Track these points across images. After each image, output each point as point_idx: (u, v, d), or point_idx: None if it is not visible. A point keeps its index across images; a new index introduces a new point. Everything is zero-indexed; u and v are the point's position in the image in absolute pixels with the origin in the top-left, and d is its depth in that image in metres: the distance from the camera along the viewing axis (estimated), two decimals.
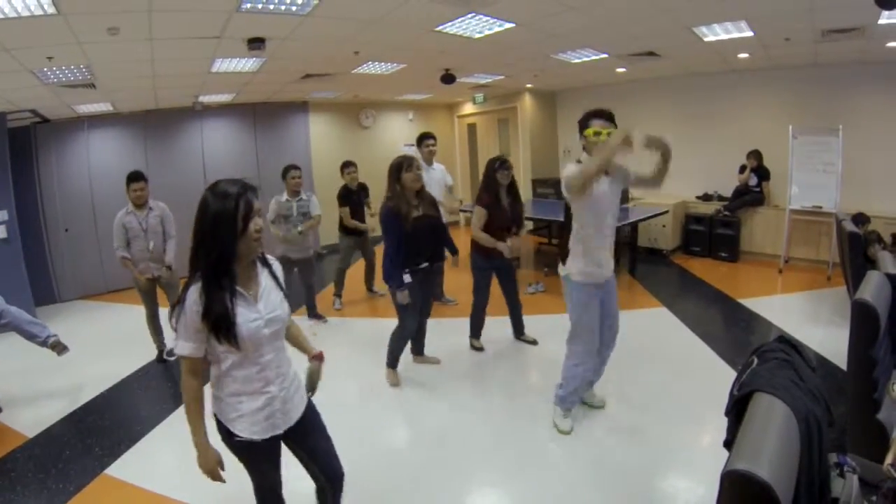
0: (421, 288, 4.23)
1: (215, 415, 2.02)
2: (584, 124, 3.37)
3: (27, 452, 3.73)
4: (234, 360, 1.93)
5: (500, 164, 4.66)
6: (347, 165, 6.49)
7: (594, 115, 3.36)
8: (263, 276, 2.02)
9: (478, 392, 4.36)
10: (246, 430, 1.98)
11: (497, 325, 5.26)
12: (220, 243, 1.82)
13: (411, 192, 4.05)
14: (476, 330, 5.13)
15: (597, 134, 3.26)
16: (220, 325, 1.82)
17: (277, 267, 2.13)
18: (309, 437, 2.22)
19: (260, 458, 2.11)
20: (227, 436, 2.01)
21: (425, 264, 4.22)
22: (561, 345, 3.68)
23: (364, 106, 10.71)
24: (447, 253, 4.57)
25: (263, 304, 1.96)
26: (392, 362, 4.53)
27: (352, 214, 6.31)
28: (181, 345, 1.89)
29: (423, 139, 6.07)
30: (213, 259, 1.81)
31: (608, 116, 3.35)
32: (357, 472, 3.33)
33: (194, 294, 1.82)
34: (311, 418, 2.22)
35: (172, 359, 5.14)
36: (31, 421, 4.16)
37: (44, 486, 3.30)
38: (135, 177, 4.86)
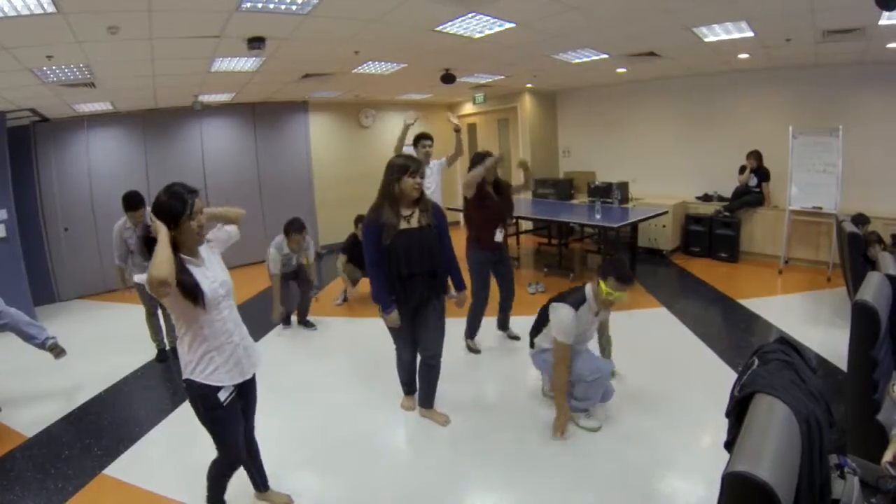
0: (416, 317, 3.63)
1: (188, 383, 2.42)
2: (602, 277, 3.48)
3: (26, 452, 3.73)
4: (202, 319, 2.35)
5: (481, 159, 4.72)
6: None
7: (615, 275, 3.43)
8: (205, 252, 2.48)
9: (475, 391, 4.36)
10: (224, 378, 2.43)
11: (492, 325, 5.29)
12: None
13: (407, 200, 3.41)
14: (472, 331, 5.11)
15: (609, 294, 3.40)
16: (193, 291, 2.27)
17: (214, 242, 2.59)
18: (250, 396, 2.71)
19: (231, 413, 2.49)
20: (203, 398, 2.41)
21: (413, 300, 3.51)
22: None
23: (364, 106, 10.70)
24: (451, 287, 3.79)
25: (211, 270, 2.43)
26: (405, 388, 4.07)
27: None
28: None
29: (420, 139, 5.98)
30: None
31: (626, 279, 3.42)
32: (356, 476, 3.33)
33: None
34: (254, 380, 2.70)
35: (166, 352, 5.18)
36: (30, 421, 4.15)
37: (42, 486, 3.30)
38: (134, 206, 4.77)
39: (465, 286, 3.87)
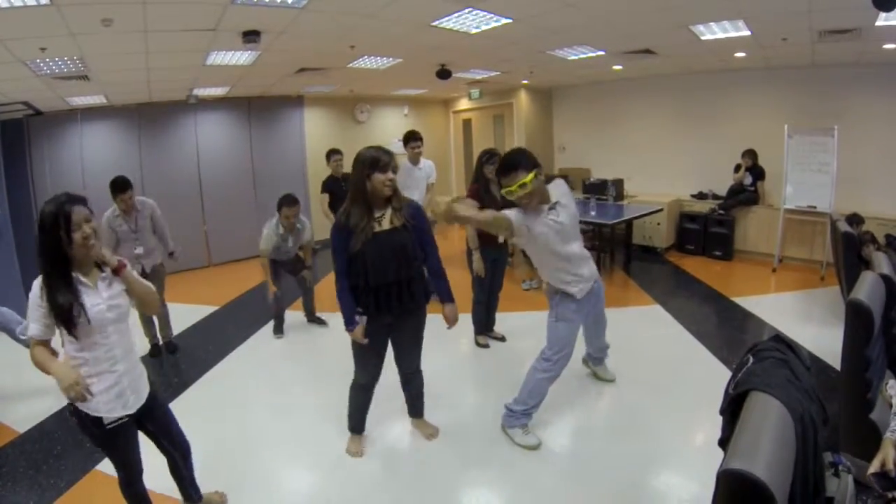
0: (391, 334, 3.25)
1: (71, 406, 2.23)
2: (498, 182, 3.21)
3: (18, 448, 3.71)
4: (83, 342, 2.17)
5: (487, 157, 4.67)
6: (334, 153, 6.32)
7: (501, 171, 3.15)
8: (105, 272, 2.26)
9: (473, 390, 4.36)
10: (101, 409, 2.23)
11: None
12: (52, 249, 2.08)
13: (379, 199, 2.99)
14: (479, 326, 5.08)
15: (509, 193, 3.08)
16: (63, 315, 2.08)
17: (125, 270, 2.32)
18: (157, 413, 2.53)
19: (116, 439, 2.34)
20: (88, 424, 2.25)
21: (386, 314, 3.08)
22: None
23: (359, 100, 10.67)
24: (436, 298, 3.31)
25: (104, 292, 2.22)
26: (351, 424, 3.50)
27: (337, 204, 6.10)
28: (32, 327, 2.14)
29: (410, 140, 5.87)
30: (48, 261, 2.08)
31: (514, 166, 3.06)
32: (354, 483, 3.33)
33: (36, 288, 2.11)
34: (155, 398, 2.50)
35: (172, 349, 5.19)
36: (23, 416, 4.12)
37: (35, 481, 3.28)
38: (121, 187, 4.67)
39: (454, 299, 3.30)
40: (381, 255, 2.94)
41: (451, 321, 3.29)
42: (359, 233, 2.91)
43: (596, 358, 4.18)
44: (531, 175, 2.99)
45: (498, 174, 3.15)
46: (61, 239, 2.05)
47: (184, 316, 6.08)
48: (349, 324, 3.03)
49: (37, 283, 2.11)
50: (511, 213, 3.09)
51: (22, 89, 5.98)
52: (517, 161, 3.04)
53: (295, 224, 5.22)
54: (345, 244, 2.95)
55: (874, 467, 1.78)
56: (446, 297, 3.26)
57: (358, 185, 2.94)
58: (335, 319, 5.79)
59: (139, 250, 4.85)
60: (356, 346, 3.15)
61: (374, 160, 2.90)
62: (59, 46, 4.53)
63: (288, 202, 5.11)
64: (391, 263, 2.97)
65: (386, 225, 2.99)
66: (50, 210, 2.06)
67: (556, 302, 3.39)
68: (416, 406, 3.64)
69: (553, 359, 3.41)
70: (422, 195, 5.92)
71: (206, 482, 2.94)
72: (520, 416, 3.49)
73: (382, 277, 2.97)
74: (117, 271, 2.26)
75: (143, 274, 4.94)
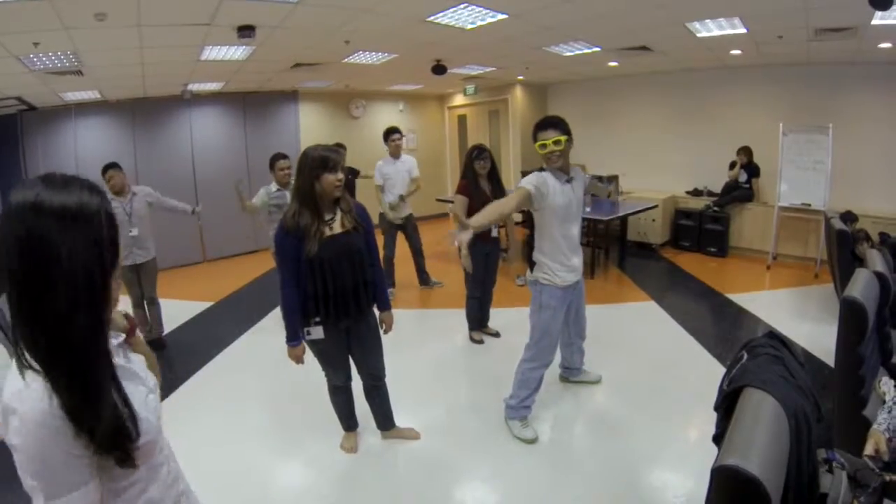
0: (349, 339, 3.10)
1: None
2: (534, 137, 3.32)
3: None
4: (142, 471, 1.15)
5: (477, 153, 4.69)
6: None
7: (539, 126, 3.29)
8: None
9: (468, 386, 4.36)
10: None
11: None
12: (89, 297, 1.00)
13: (328, 201, 2.83)
14: (474, 322, 5.07)
15: (542, 146, 3.22)
16: (116, 439, 1.03)
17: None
18: None
19: None
20: None
21: (345, 319, 2.94)
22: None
23: (354, 96, 10.65)
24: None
25: (138, 366, 1.27)
26: (343, 424, 3.45)
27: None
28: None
29: (390, 134, 6.12)
30: (81, 325, 0.98)
31: (553, 125, 3.25)
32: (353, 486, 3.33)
33: (40, 402, 0.95)
34: None
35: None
36: None
37: None
38: (104, 169, 4.82)
39: (390, 306, 3.22)
40: (337, 258, 2.82)
41: (389, 328, 3.22)
42: (311, 236, 2.75)
43: (573, 369, 4.13)
44: (565, 138, 3.20)
45: (536, 128, 3.28)
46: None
47: (178, 312, 6.07)
48: (293, 340, 2.91)
49: (36, 394, 0.96)
50: (526, 182, 3.21)
51: (15, 84, 5.95)
52: (557, 121, 3.26)
53: (290, 179, 5.06)
54: (295, 249, 2.77)
55: (868, 450, 1.84)
56: (384, 303, 3.18)
57: (306, 186, 2.76)
58: None
59: (134, 231, 4.87)
60: (321, 352, 3.06)
61: (324, 160, 2.74)
62: (53, 41, 4.50)
63: (282, 155, 5.18)
64: (347, 267, 2.86)
65: (337, 228, 2.86)
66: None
67: (540, 290, 3.43)
68: (387, 417, 3.49)
69: (535, 347, 3.46)
70: (404, 188, 6.09)
71: (197, 482, 2.92)
72: (517, 408, 3.52)
73: (341, 282, 2.84)
74: (129, 333, 1.32)
75: (136, 266, 4.95)
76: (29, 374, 0.96)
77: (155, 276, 5.19)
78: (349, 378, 3.26)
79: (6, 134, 7.25)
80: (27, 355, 0.97)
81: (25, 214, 0.97)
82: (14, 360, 0.99)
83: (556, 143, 3.17)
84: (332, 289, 2.83)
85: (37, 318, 0.96)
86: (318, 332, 2.90)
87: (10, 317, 0.97)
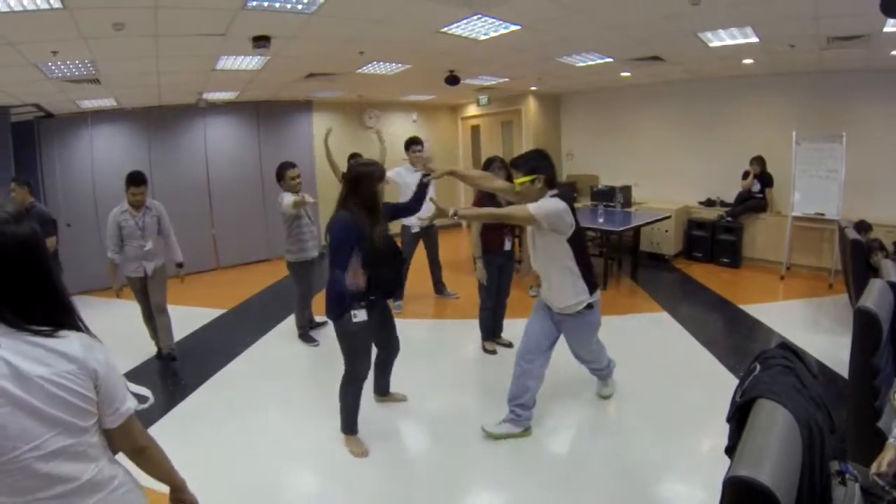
0: (378, 324, 3.53)
1: None
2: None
3: None
4: None
5: (491, 164, 4.71)
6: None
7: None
8: None
9: (480, 396, 4.35)
10: None
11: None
12: None
13: (377, 206, 3.36)
14: (487, 332, 5.06)
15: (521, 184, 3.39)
16: None
17: None
18: None
19: None
20: None
21: (384, 299, 3.57)
22: (557, 351, 3.65)
23: (368, 106, 10.71)
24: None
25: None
26: (349, 426, 3.54)
27: None
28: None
29: (412, 144, 6.11)
30: None
31: (516, 166, 3.45)
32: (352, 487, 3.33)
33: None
34: None
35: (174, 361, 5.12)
36: None
37: None
38: (136, 181, 4.69)
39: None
40: (385, 252, 3.29)
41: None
42: (369, 234, 3.17)
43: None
44: (529, 178, 3.34)
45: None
46: None
47: (191, 319, 6.11)
48: (345, 315, 3.22)
49: None
50: (534, 207, 3.29)
51: (33, 92, 6.05)
52: (520, 162, 3.44)
53: (300, 188, 5.18)
54: (353, 240, 3.16)
55: (876, 468, 1.79)
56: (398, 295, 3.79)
57: (369, 193, 3.25)
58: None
59: (149, 245, 4.82)
60: (355, 341, 3.33)
61: (382, 172, 3.37)
62: (71, 50, 4.57)
63: (290, 164, 5.18)
64: (391, 258, 3.40)
65: (382, 226, 3.33)
66: None
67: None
68: (387, 384, 4.03)
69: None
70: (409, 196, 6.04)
71: (208, 490, 2.94)
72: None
73: (386, 273, 3.34)
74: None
75: (145, 276, 4.92)
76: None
77: (164, 284, 5.04)
78: (369, 368, 3.52)
79: (24, 140, 7.33)
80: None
81: None
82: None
83: (521, 184, 3.36)
84: (385, 278, 3.34)
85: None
86: (362, 315, 3.23)
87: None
